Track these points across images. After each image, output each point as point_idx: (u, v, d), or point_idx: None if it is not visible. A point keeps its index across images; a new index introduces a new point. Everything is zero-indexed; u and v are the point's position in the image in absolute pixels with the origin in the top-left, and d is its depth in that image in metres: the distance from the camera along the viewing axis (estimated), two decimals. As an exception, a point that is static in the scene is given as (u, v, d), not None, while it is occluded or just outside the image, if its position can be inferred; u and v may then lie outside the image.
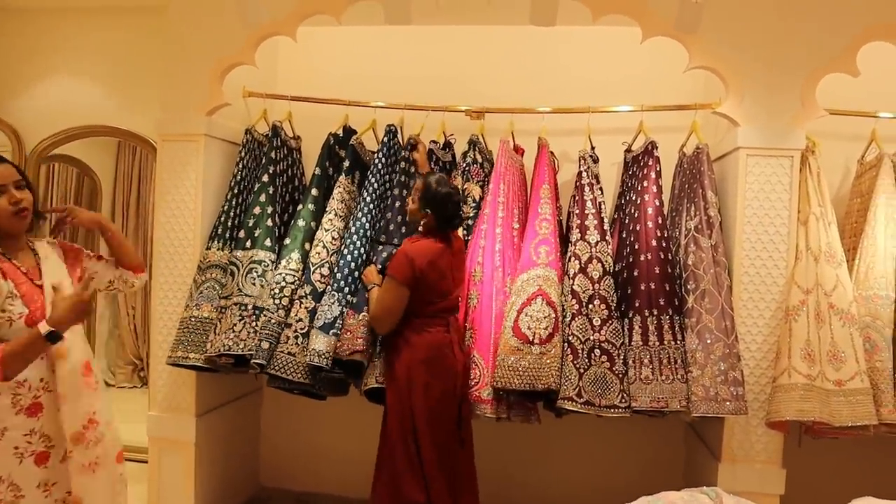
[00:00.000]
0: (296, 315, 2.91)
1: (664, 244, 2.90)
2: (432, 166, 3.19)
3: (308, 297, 2.93)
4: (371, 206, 3.09)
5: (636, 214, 2.99)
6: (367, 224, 3.05)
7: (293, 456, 3.88)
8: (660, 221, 2.92)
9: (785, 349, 2.76)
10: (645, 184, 3.01)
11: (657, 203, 2.95)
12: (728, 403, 2.70)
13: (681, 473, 3.51)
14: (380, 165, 3.14)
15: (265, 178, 3.14)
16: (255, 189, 3.14)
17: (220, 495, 3.44)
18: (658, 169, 3.01)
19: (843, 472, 3.28)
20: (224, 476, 3.46)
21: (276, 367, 2.83)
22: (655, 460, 3.58)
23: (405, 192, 3.09)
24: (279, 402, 3.74)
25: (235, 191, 3.18)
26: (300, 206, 3.15)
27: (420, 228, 2.86)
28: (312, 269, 2.97)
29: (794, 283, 2.81)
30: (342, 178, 3.14)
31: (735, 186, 2.90)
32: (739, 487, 2.76)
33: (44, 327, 1.80)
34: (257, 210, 3.09)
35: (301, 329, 2.89)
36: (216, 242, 3.09)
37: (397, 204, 3.09)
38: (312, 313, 2.91)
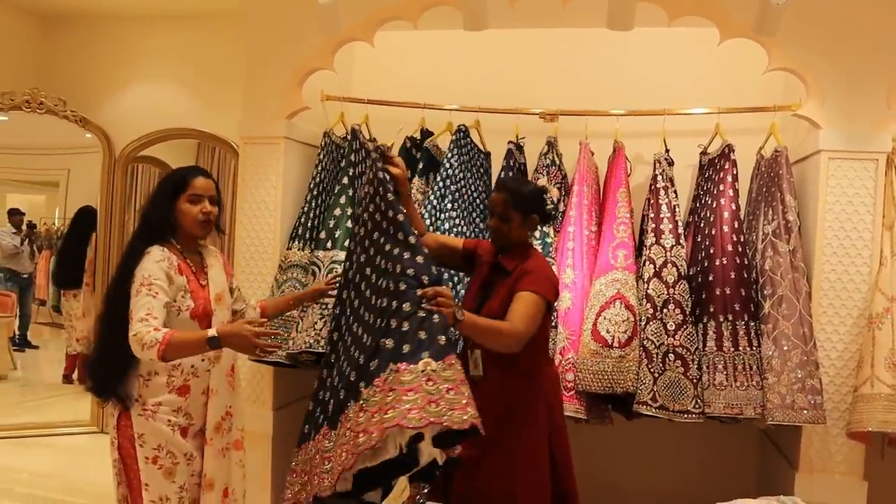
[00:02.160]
0: None
1: (740, 249, 2.86)
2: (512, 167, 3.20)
3: None
4: (447, 204, 3.13)
5: (712, 218, 2.95)
6: (444, 220, 3.09)
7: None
8: (736, 226, 2.88)
9: (868, 358, 2.69)
10: (721, 187, 2.97)
11: (733, 207, 2.91)
12: (805, 412, 2.65)
13: (754, 481, 3.45)
14: (454, 163, 3.19)
15: (345, 181, 3.24)
16: (336, 191, 3.24)
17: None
18: (735, 172, 2.97)
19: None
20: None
21: None
22: (728, 467, 3.52)
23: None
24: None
25: (315, 192, 3.28)
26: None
27: (493, 241, 2.53)
28: None
29: (878, 289, 2.72)
30: (416, 179, 3.21)
31: (816, 190, 2.83)
32: (817, 498, 2.71)
33: (212, 332, 2.05)
34: (337, 211, 3.18)
35: None
36: (297, 242, 3.20)
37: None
38: None
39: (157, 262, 2.10)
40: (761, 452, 3.47)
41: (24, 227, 6.65)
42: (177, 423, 2.17)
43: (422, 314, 1.96)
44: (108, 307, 2.21)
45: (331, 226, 3.17)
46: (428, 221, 3.08)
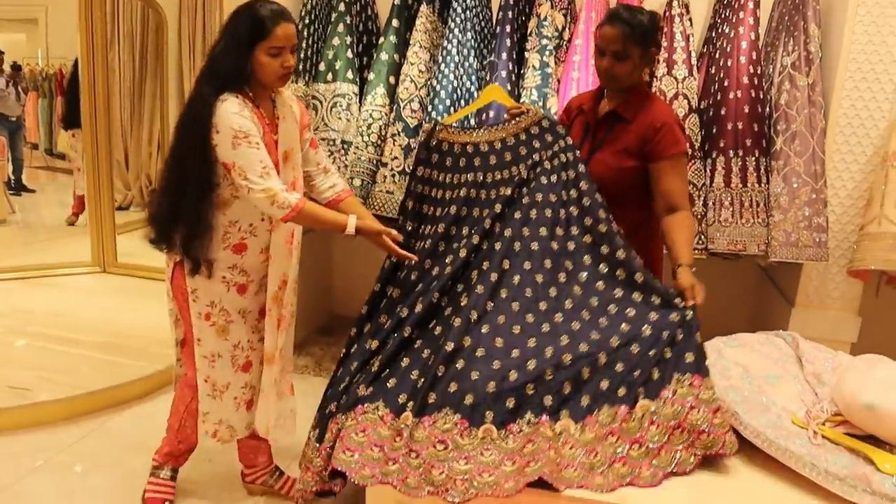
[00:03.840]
0: (390, 153, 2.90)
1: (756, 81, 2.71)
2: None
3: (401, 133, 2.90)
4: (458, 34, 2.93)
5: (728, 48, 2.77)
6: (456, 53, 2.91)
7: (363, 287, 4.00)
8: (754, 57, 2.72)
9: (878, 196, 2.63)
10: (741, 15, 2.76)
11: (752, 37, 2.73)
12: (809, 249, 2.64)
13: (748, 316, 3.51)
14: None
15: (341, 7, 3.02)
16: (333, 19, 3.03)
17: (296, 323, 3.61)
18: (757, -2, 2.76)
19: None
20: (299, 306, 3.62)
21: (375, 206, 2.87)
22: (724, 303, 3.54)
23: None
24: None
25: (307, 21, 3.07)
26: (381, 39, 3.04)
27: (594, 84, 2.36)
28: (402, 104, 2.92)
29: (897, 126, 2.62)
30: (424, 7, 2.99)
31: (843, 18, 2.64)
32: (810, 332, 2.73)
33: (351, 225, 1.97)
34: (336, 41, 3.00)
35: (397, 167, 2.89)
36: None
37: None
38: (406, 150, 2.89)
39: (237, 114, 1.88)
40: (758, 288, 3.50)
41: (6, 67, 6.39)
42: (232, 280, 2.07)
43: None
44: (176, 158, 1.99)
45: (330, 57, 3.00)
46: (457, 59, 2.90)
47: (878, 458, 1.48)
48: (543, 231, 1.98)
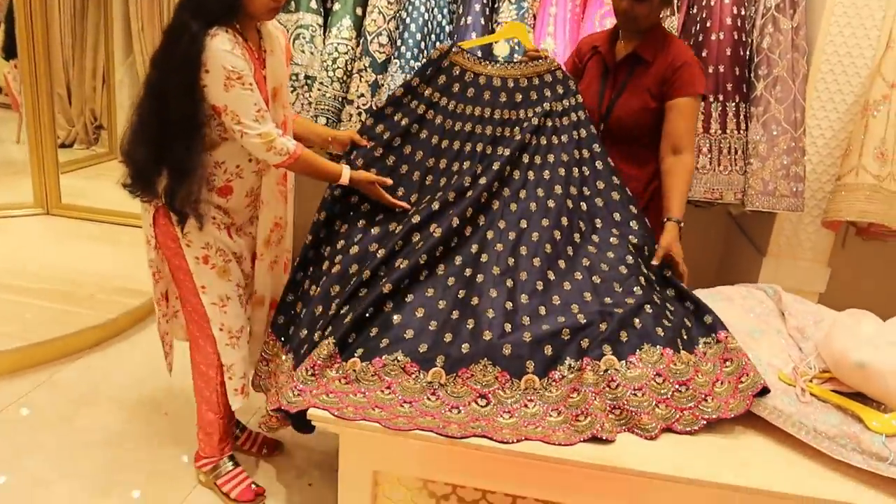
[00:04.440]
0: (356, 90, 2.74)
1: (740, 23, 2.61)
2: None
3: (368, 69, 2.73)
4: None
5: (712, -14, 2.66)
6: None
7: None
8: (739, -4, 2.61)
9: (856, 147, 2.59)
10: (727, -50, 2.65)
11: (738, -26, 2.62)
12: (786, 199, 2.61)
13: (716, 265, 3.50)
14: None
15: (305, -73, 2.79)
16: (296, -59, 2.81)
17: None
18: (745, -68, 2.63)
19: (887, 275, 3.23)
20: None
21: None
22: (694, 251, 3.52)
23: None
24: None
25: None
26: (348, -36, 2.82)
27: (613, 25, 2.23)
28: (369, 38, 2.74)
29: (880, 74, 2.56)
30: None
31: (830, -43, 2.55)
32: (780, 282, 2.70)
33: (345, 176, 1.92)
34: (299, -33, 2.78)
35: (363, 105, 2.73)
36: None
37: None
38: (374, 87, 2.73)
39: (229, 52, 1.71)
40: (727, 237, 3.48)
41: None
42: (221, 221, 1.96)
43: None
44: (156, 98, 1.80)
45: (293, -16, 2.80)
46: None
47: (867, 415, 1.45)
48: (559, 189, 1.96)
